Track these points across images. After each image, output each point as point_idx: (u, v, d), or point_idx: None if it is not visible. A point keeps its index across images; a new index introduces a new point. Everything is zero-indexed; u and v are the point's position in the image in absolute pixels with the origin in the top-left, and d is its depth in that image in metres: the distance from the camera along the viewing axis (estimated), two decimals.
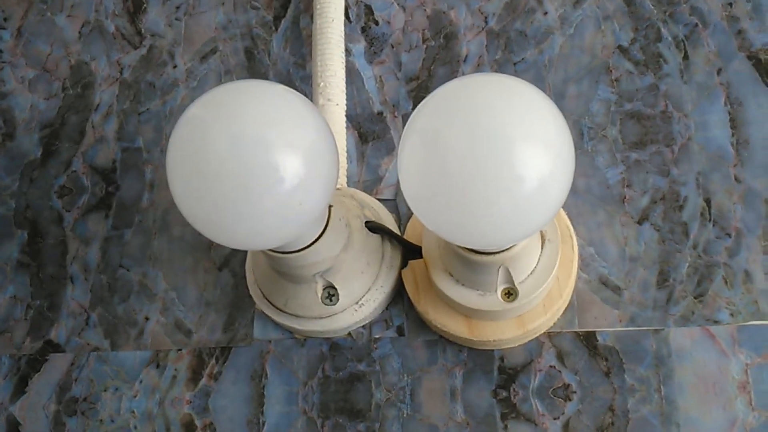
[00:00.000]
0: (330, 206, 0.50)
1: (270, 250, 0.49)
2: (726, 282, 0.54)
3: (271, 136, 0.42)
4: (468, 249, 0.48)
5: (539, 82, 0.61)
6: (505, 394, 0.54)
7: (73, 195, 0.64)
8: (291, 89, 0.45)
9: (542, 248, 0.52)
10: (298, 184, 0.42)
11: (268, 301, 0.56)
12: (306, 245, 0.49)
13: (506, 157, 0.40)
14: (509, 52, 0.62)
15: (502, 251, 0.48)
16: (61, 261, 0.62)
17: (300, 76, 0.64)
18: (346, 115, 0.61)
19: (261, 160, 0.42)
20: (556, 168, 0.41)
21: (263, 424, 0.56)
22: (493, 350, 0.55)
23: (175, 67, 0.67)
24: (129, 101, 0.66)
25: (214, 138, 0.42)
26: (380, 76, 0.63)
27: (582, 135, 0.59)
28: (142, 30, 0.69)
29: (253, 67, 0.65)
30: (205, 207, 0.43)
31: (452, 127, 0.40)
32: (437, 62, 0.63)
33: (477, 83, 0.42)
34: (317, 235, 0.49)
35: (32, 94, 0.68)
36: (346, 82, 0.61)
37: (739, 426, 0.51)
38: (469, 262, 0.49)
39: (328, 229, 0.50)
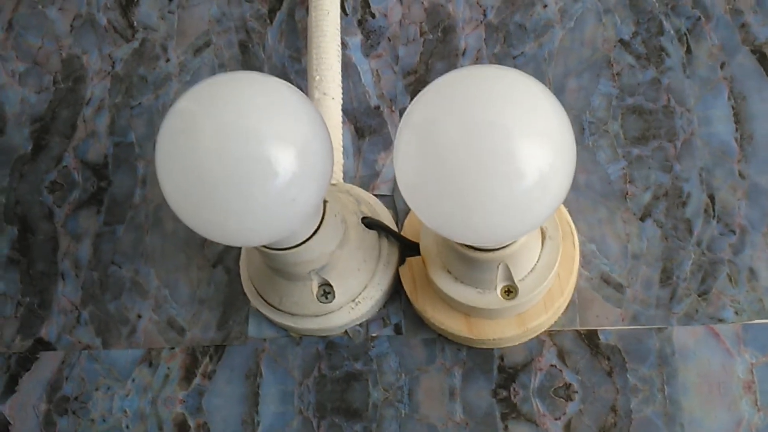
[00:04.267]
0: (325, 202, 0.49)
1: (264, 246, 0.48)
2: (730, 279, 0.53)
3: (264, 130, 0.41)
4: (467, 246, 0.47)
5: (539, 76, 0.60)
6: (505, 393, 0.53)
7: (64, 190, 0.63)
8: (284, 81, 0.44)
9: (543, 245, 0.51)
10: (291, 179, 0.41)
11: (263, 298, 0.55)
12: (300, 242, 0.48)
13: (505, 150, 0.39)
14: (508, 45, 0.61)
15: (502, 248, 0.47)
16: (52, 257, 0.61)
17: (295, 70, 0.63)
18: (343, 110, 0.60)
19: (253, 153, 0.40)
20: (556, 162, 0.40)
21: (258, 424, 0.55)
22: (492, 349, 0.54)
23: (168, 60, 0.66)
24: (121, 95, 0.65)
25: (204, 131, 0.40)
26: (377, 70, 0.62)
27: (583, 130, 0.58)
28: (135, 23, 0.67)
29: (248, 61, 0.64)
30: (195, 202, 0.41)
31: (449, 120, 0.39)
32: (435, 56, 0.62)
33: (475, 75, 0.41)
34: (312, 232, 0.48)
35: (23, 88, 0.67)
36: (343, 76, 0.60)
37: (745, 426, 0.50)
38: (467, 259, 0.48)
39: (323, 225, 0.49)
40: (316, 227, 0.48)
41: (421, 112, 0.41)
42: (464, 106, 0.39)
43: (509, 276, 0.50)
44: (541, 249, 0.51)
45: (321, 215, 0.49)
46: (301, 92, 0.44)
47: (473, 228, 0.41)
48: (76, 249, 0.61)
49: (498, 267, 0.49)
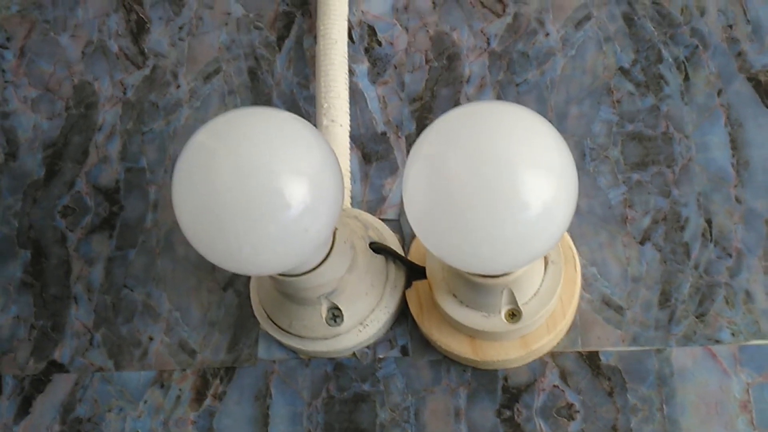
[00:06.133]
0: (335, 229, 0.51)
1: None
2: (727, 302, 0.55)
3: (278, 164, 0.42)
4: (472, 272, 0.48)
5: (541, 103, 0.61)
6: (508, 413, 0.54)
7: (76, 215, 0.64)
8: (296, 116, 0.45)
9: (545, 270, 0.52)
10: (303, 211, 0.43)
11: (273, 321, 0.56)
12: (311, 268, 0.49)
13: (510, 183, 0.40)
14: (511, 73, 0.63)
15: (506, 274, 0.48)
16: (65, 281, 0.62)
17: (303, 97, 0.65)
18: (350, 136, 0.61)
19: (268, 187, 0.42)
20: (559, 193, 0.41)
21: None
22: (497, 370, 0.55)
23: (178, 87, 0.67)
24: (132, 121, 0.66)
25: (219, 165, 0.42)
26: (383, 97, 0.64)
27: (584, 156, 0.59)
28: (146, 50, 0.69)
29: (257, 88, 0.66)
30: (211, 234, 0.43)
31: (456, 154, 0.41)
32: (440, 83, 0.63)
33: (480, 110, 0.43)
34: (322, 258, 0.50)
35: (35, 114, 0.68)
36: (350, 103, 0.62)
37: None
38: (473, 284, 0.49)
39: (333, 252, 0.50)
40: (326, 254, 0.50)
41: (428, 147, 0.42)
42: (470, 141, 0.41)
43: (513, 300, 0.51)
44: (544, 273, 0.52)
45: (331, 242, 0.50)
46: (312, 125, 0.46)
47: (479, 258, 0.42)
48: (88, 273, 0.62)
49: (502, 292, 0.50)
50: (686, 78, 0.60)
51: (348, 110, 0.61)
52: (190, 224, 0.43)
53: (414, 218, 0.43)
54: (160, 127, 0.66)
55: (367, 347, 0.57)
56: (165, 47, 0.69)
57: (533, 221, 0.41)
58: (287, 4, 0.68)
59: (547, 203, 0.41)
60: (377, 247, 0.55)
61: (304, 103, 0.64)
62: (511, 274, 0.48)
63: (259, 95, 0.65)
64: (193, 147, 0.43)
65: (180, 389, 0.58)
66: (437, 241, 0.43)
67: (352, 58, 0.64)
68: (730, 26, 0.61)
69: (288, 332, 0.56)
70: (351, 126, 0.61)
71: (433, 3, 0.66)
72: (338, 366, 0.57)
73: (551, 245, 0.43)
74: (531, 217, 0.41)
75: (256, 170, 0.42)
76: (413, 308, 0.55)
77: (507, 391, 0.55)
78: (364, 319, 0.55)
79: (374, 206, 0.61)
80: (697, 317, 0.55)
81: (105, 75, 0.68)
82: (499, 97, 0.62)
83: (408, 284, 0.56)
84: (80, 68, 0.69)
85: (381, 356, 0.57)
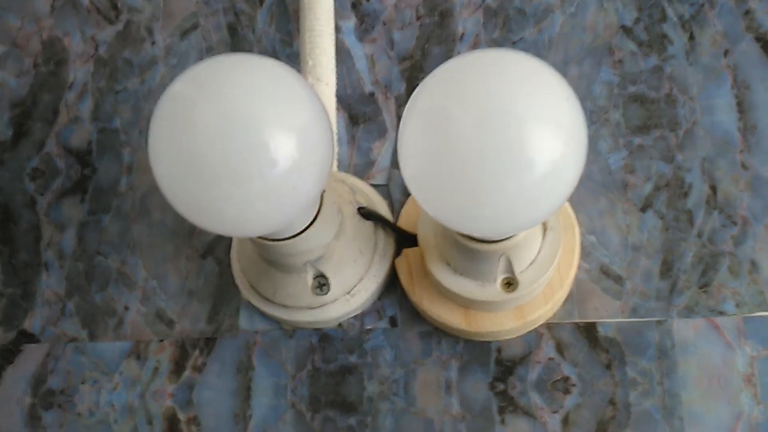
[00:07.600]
0: (323, 191, 0.48)
1: (259, 237, 0.47)
2: (731, 272, 0.53)
3: (263, 115, 0.39)
4: (468, 237, 0.46)
5: None
6: (502, 386, 0.52)
7: (46, 178, 0.61)
8: (283, 64, 0.42)
9: (544, 237, 0.50)
10: (291, 167, 0.40)
11: (256, 290, 0.54)
12: (297, 232, 0.47)
13: (516, 139, 0.37)
14: (507, 30, 0.60)
15: (505, 240, 0.46)
16: (35, 247, 0.59)
17: (286, 54, 0.62)
18: (336, 96, 0.58)
19: (252, 140, 0.39)
20: (568, 151, 0.38)
21: (250, 418, 0.54)
22: (490, 342, 0.53)
23: (153, 43, 0.63)
24: (105, 79, 0.63)
25: (201, 117, 0.39)
26: (372, 55, 0.61)
27: None
28: (119, 4, 0.65)
29: (237, 44, 0.63)
30: (191, 191, 0.40)
31: (457, 107, 0.38)
32: (432, 41, 0.60)
33: (484, 60, 0.39)
34: (309, 222, 0.47)
35: (2, 72, 0.65)
36: (336, 62, 0.59)
37: (744, 420, 0.50)
38: (468, 251, 0.47)
39: (320, 215, 0.47)
40: (313, 217, 0.47)
41: (427, 100, 0.39)
42: (474, 94, 0.38)
43: (510, 268, 0.49)
44: (542, 240, 0.50)
45: (318, 205, 0.47)
46: (300, 75, 0.43)
47: (481, 220, 0.39)
48: (59, 238, 0.59)
49: (499, 259, 0.48)
50: (691, 37, 0.58)
51: (334, 68, 0.58)
52: (169, 181, 0.40)
53: (411, 176, 0.40)
54: (134, 85, 0.62)
55: (354, 318, 0.54)
56: (139, 1, 0.65)
57: (540, 181, 0.38)
58: None
59: (555, 161, 0.38)
60: (366, 213, 0.52)
61: (287, 60, 0.61)
62: (510, 239, 0.46)
63: (240, 52, 0.62)
64: (171, 97, 0.40)
65: (157, 360, 0.55)
66: (436, 201, 0.40)
67: (338, 14, 0.61)
68: None
69: (272, 301, 0.53)
70: (337, 86, 0.59)
71: None
72: (324, 337, 0.54)
73: (557, 206, 0.40)
74: (538, 177, 0.38)
75: (239, 122, 0.39)
76: (403, 277, 0.53)
77: (501, 364, 0.53)
78: (351, 288, 0.53)
79: (362, 170, 0.58)
80: (699, 288, 0.53)
81: (76, 30, 0.65)
82: None
83: (398, 252, 0.54)
84: (49, 23, 0.65)
85: (369, 327, 0.54)
